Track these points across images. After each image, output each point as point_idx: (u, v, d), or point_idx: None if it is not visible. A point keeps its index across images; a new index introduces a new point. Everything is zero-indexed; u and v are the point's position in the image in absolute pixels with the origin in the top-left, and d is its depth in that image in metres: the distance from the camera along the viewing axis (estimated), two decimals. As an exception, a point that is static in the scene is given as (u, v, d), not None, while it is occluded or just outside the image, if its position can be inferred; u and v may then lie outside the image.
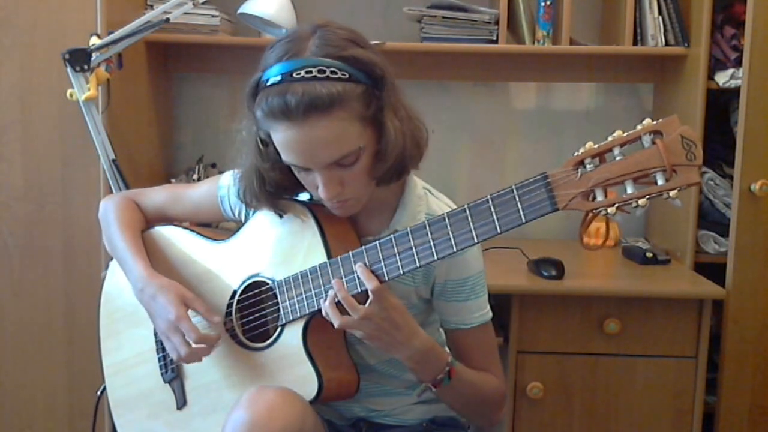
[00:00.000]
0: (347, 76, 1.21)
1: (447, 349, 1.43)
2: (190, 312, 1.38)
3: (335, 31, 1.25)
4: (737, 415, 2.11)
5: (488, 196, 1.16)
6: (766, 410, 2.10)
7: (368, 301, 1.24)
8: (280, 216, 1.40)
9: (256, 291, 1.42)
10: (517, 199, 1.14)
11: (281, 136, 1.23)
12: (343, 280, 1.28)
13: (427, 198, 1.42)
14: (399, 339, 1.28)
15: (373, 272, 1.26)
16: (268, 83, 1.22)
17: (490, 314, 1.44)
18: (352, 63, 1.23)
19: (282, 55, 1.23)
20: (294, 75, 1.20)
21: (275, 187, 1.36)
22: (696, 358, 2.03)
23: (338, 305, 1.28)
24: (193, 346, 1.35)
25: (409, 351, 1.29)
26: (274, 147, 1.28)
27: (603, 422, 2.06)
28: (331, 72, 1.20)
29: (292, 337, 1.35)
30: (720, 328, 2.11)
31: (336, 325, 1.26)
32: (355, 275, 1.27)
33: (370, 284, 1.24)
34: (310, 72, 1.20)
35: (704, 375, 2.03)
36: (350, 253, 1.28)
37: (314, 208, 1.38)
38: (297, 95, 1.18)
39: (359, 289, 1.26)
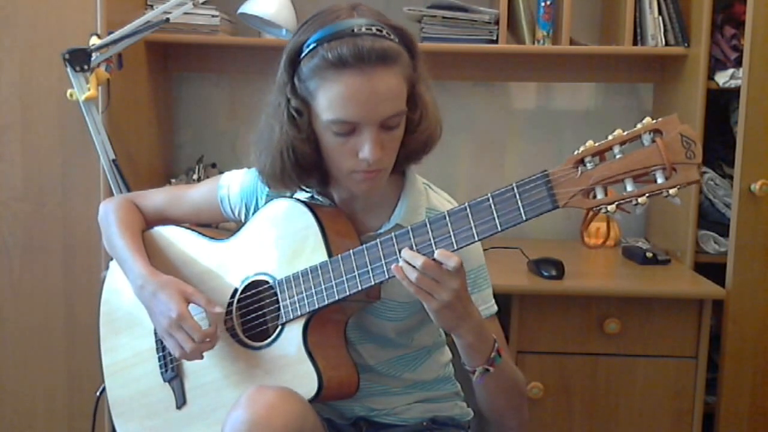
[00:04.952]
0: (397, 40, 1.26)
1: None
2: (191, 307, 1.38)
3: (371, 8, 1.30)
4: (737, 415, 2.11)
5: (489, 194, 1.17)
6: (766, 410, 2.10)
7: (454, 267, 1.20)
8: (306, 191, 1.40)
9: (256, 290, 1.42)
10: (518, 197, 1.14)
11: (342, 87, 1.22)
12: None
13: (428, 193, 1.43)
14: (469, 309, 1.25)
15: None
16: (328, 38, 1.22)
17: (495, 308, 1.43)
18: (398, 32, 1.27)
19: (332, 19, 1.25)
20: (355, 30, 1.22)
21: (303, 163, 1.32)
22: (696, 358, 2.02)
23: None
24: (197, 343, 1.35)
25: (473, 322, 1.26)
26: (308, 117, 1.28)
27: (603, 422, 2.06)
28: (386, 33, 1.25)
29: (292, 335, 1.34)
30: (720, 328, 2.11)
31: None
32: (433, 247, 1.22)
33: (452, 261, 1.18)
34: (370, 29, 1.23)
35: (704, 375, 2.03)
36: (351, 251, 1.29)
37: (314, 207, 1.38)
38: (368, 44, 1.21)
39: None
